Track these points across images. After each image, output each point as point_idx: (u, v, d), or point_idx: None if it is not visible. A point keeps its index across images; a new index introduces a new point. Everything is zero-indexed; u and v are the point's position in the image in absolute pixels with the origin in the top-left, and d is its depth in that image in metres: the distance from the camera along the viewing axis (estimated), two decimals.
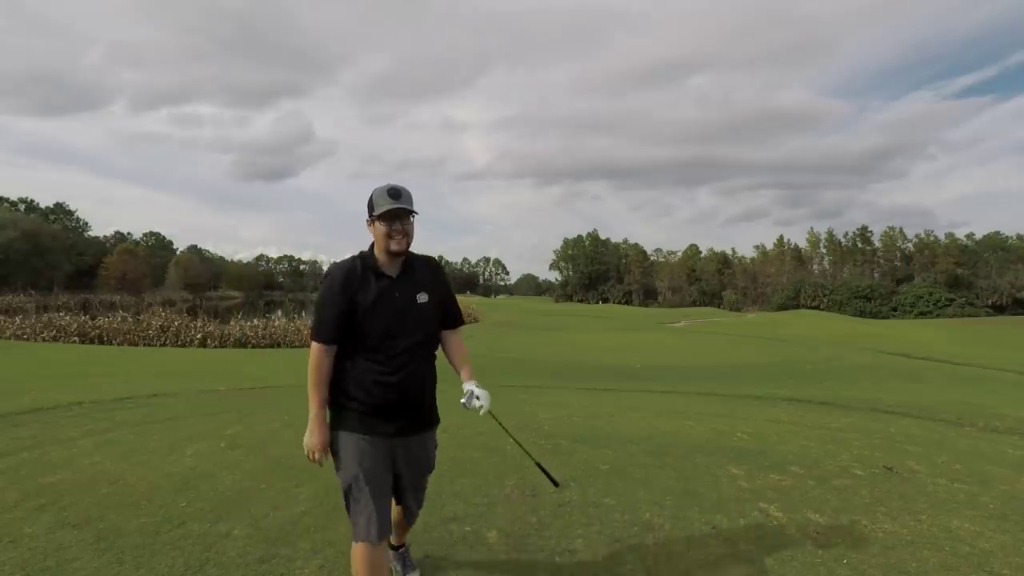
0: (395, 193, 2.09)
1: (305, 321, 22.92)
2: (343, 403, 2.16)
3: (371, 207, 2.14)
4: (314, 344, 2.13)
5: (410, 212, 2.12)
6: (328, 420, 2.19)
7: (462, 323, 2.40)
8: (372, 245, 2.20)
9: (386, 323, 2.12)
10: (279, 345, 18.83)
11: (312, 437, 2.13)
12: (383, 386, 2.13)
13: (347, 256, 2.23)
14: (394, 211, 2.08)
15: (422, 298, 2.19)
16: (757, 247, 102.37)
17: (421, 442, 2.29)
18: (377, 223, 2.11)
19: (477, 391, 2.22)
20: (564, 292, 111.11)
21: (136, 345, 17.40)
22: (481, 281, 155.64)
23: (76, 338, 17.89)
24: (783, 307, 74.01)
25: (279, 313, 36.15)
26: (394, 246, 2.11)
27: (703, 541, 2.91)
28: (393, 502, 2.31)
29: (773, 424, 5.81)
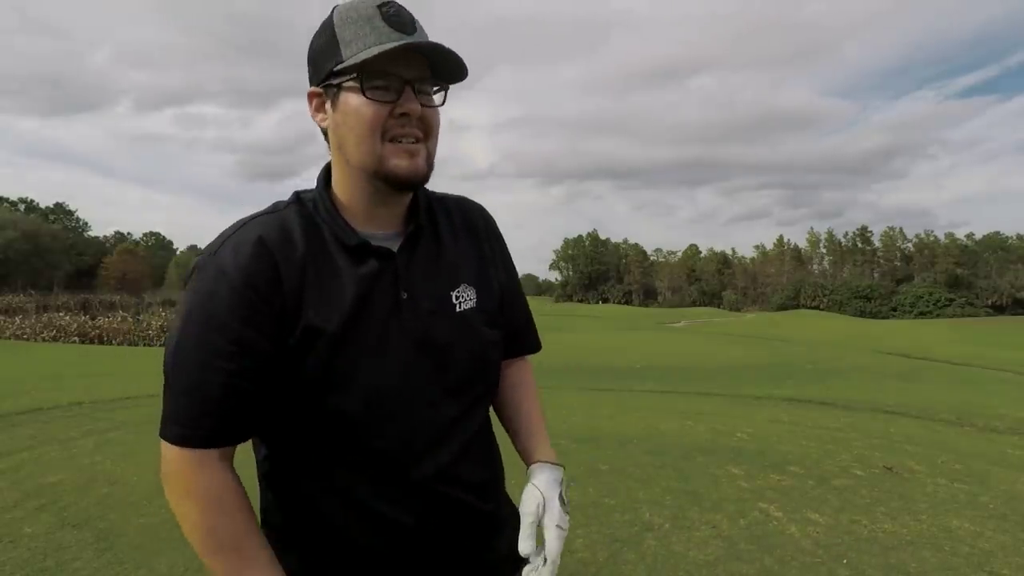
0: (400, 17, 0.78)
1: None
2: (294, 543, 0.87)
3: (331, 48, 0.78)
4: (172, 452, 0.77)
5: (439, 71, 0.81)
6: None
7: (537, 345, 1.09)
8: (325, 174, 0.88)
9: (385, 372, 0.81)
10: None
11: None
12: (388, 529, 0.84)
13: (257, 213, 0.85)
14: (406, 53, 0.77)
15: (465, 298, 0.89)
16: (757, 247, 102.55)
17: None
18: (349, 95, 0.78)
19: (552, 515, 0.86)
20: (564, 292, 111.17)
21: (136, 345, 17.41)
22: None
23: (76, 338, 17.90)
24: (783, 307, 74.08)
25: None
26: (401, 162, 0.79)
27: (703, 541, 2.91)
28: None
29: (773, 424, 5.81)
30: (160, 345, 17.57)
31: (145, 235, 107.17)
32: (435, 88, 0.82)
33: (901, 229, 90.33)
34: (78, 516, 3.06)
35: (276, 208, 0.85)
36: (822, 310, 67.91)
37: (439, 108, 0.83)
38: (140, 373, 9.98)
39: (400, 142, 0.79)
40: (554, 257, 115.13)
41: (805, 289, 79.60)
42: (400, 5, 0.79)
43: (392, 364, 0.82)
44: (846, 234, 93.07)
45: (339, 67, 0.77)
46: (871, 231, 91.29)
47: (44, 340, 17.51)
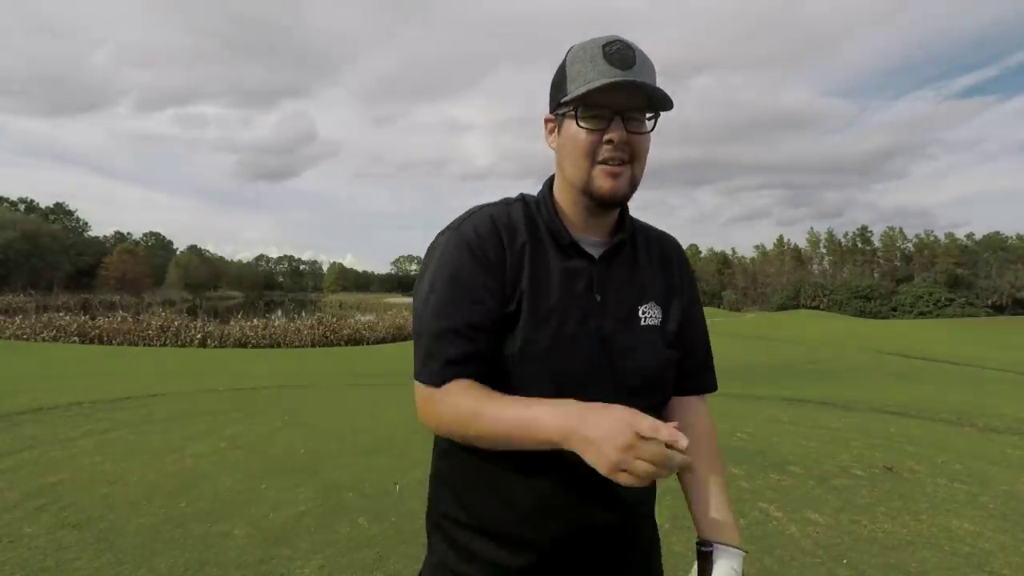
0: (620, 55, 0.87)
1: (306, 321, 22.79)
2: (449, 531, 0.98)
3: (562, 83, 0.92)
4: (424, 391, 0.90)
5: (652, 101, 0.89)
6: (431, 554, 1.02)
7: (715, 384, 1.09)
8: (550, 182, 1.02)
9: (571, 359, 0.90)
10: (279, 345, 18.84)
11: (601, 423, 0.74)
12: (546, 508, 0.92)
13: (488, 203, 1.00)
14: (617, 87, 0.85)
15: (650, 315, 0.98)
16: (757, 247, 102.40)
17: None
18: (569, 122, 0.91)
19: None
20: None
21: (136, 345, 17.41)
22: None
23: (76, 338, 17.89)
24: (783, 307, 74.02)
25: (279, 313, 36.25)
26: (603, 183, 0.90)
27: None
28: None
29: (773, 424, 5.81)
30: (161, 345, 17.57)
31: (145, 235, 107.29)
32: (649, 115, 0.92)
33: (901, 229, 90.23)
34: (78, 516, 3.06)
35: (505, 202, 1.01)
36: (822, 310, 67.86)
37: (649, 134, 0.92)
38: (140, 373, 9.98)
39: (607, 164, 0.90)
40: None
41: (805, 289, 79.54)
42: (624, 43, 0.89)
43: (578, 355, 0.91)
44: (846, 234, 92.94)
45: (564, 99, 0.91)
46: (871, 231, 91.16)
47: (44, 340, 17.51)
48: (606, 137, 0.89)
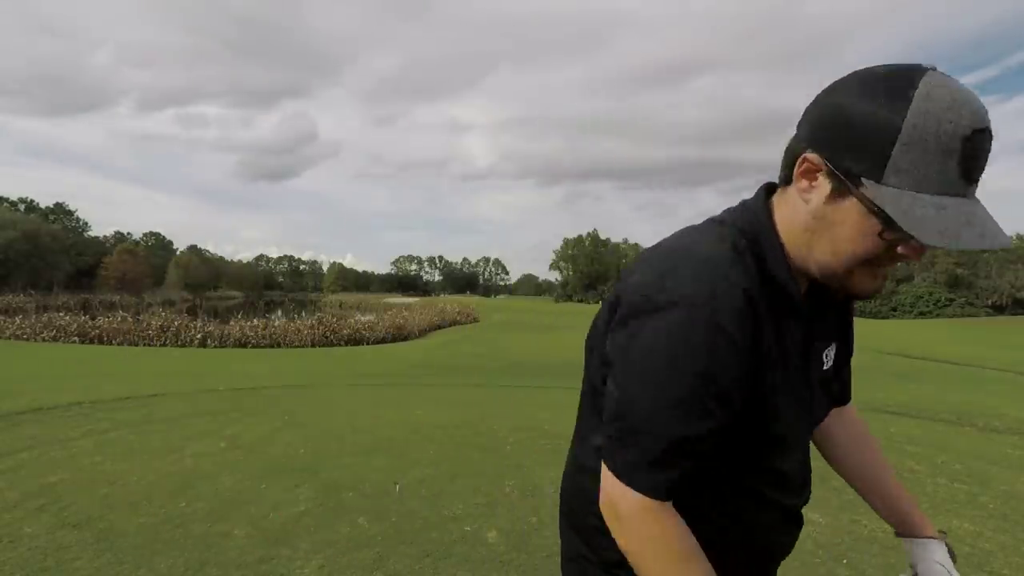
0: (977, 159, 0.68)
1: (306, 321, 22.78)
2: None
3: (880, 143, 0.66)
4: (634, 499, 0.77)
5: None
6: None
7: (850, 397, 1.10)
8: (768, 210, 0.83)
9: (795, 417, 0.86)
10: (279, 345, 18.84)
11: None
12: (759, 551, 0.98)
13: (697, 242, 0.80)
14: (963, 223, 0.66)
15: (830, 357, 0.94)
16: None
17: None
18: (862, 213, 0.70)
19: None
20: (564, 292, 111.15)
21: (136, 345, 17.41)
22: (481, 281, 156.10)
23: (76, 338, 17.90)
24: None
25: (279, 313, 36.28)
26: (866, 286, 0.77)
27: None
28: None
29: None
30: (160, 345, 17.56)
31: (145, 235, 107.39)
32: None
33: None
34: (78, 516, 3.06)
35: (735, 252, 0.78)
36: None
37: None
38: (140, 373, 9.98)
39: (883, 264, 0.74)
40: (554, 257, 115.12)
41: None
42: (989, 134, 0.69)
43: (802, 417, 0.88)
44: None
45: (871, 187, 0.68)
46: None
47: (44, 340, 17.51)
48: (900, 250, 0.71)
